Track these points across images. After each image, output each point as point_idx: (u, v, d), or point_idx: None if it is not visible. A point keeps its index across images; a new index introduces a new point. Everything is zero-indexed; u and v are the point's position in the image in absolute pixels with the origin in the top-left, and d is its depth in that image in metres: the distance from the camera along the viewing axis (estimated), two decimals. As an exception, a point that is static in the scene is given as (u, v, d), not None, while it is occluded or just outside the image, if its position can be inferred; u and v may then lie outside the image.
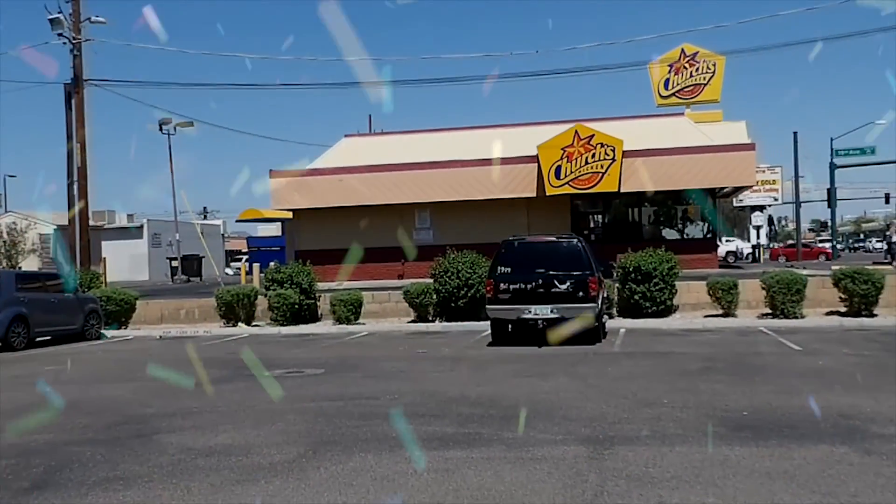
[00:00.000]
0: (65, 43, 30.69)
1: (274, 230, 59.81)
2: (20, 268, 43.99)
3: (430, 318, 22.83)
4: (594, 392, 10.97)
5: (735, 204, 64.73)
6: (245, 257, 55.25)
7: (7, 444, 8.85)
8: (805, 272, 23.06)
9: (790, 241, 67.88)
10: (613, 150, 32.01)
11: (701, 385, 11.31)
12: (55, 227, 52.37)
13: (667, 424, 8.74)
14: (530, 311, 16.54)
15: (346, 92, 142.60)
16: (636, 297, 21.48)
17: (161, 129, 49.67)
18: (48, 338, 21.39)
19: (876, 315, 20.38)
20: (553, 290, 16.50)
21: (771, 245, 65.59)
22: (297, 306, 23.39)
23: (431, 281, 22.68)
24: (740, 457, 7.33)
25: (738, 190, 39.86)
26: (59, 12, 30.15)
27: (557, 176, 32.47)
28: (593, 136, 32.32)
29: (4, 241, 47.25)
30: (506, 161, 33.62)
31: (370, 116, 63.47)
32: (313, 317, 24.35)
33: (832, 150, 55.00)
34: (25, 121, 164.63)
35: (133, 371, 15.07)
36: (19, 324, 19.83)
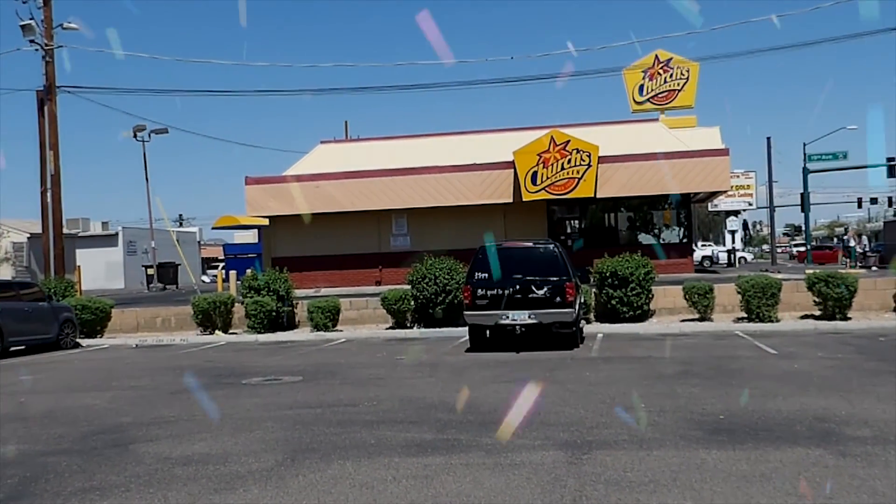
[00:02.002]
0: (37, 49, 30.44)
1: (250, 237, 59.54)
2: (-7, 276, 43.52)
3: (408, 325, 22.81)
4: (572, 397, 11.01)
5: (710, 209, 65.25)
6: (221, 264, 54.96)
7: (-19, 455, 8.76)
8: (779, 276, 23.27)
9: (814, 244, 67.09)
10: (589, 156, 32.12)
11: (678, 389, 11.37)
12: (28, 235, 51.89)
13: (644, 429, 8.78)
14: (508, 317, 16.57)
15: (321, 98, 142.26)
16: (613, 301, 21.57)
17: (136, 136, 49.36)
18: (22, 347, 21.18)
19: (850, 318, 20.59)
20: (530, 295, 16.54)
21: (791, 247, 65.25)
22: (274, 313, 23.31)
23: (409, 287, 22.67)
24: (717, 460, 7.38)
25: (712, 195, 40.09)
26: (30, 18, 29.90)
27: (534, 182, 32.53)
28: (569, 141, 32.42)
29: (-23, 250, 46.74)
30: (482, 167, 33.69)
31: (346, 123, 63.51)
32: (291, 324, 24.28)
33: (805, 154, 55.49)
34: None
35: (109, 380, 14.95)
36: (-8, 333, 19.62)
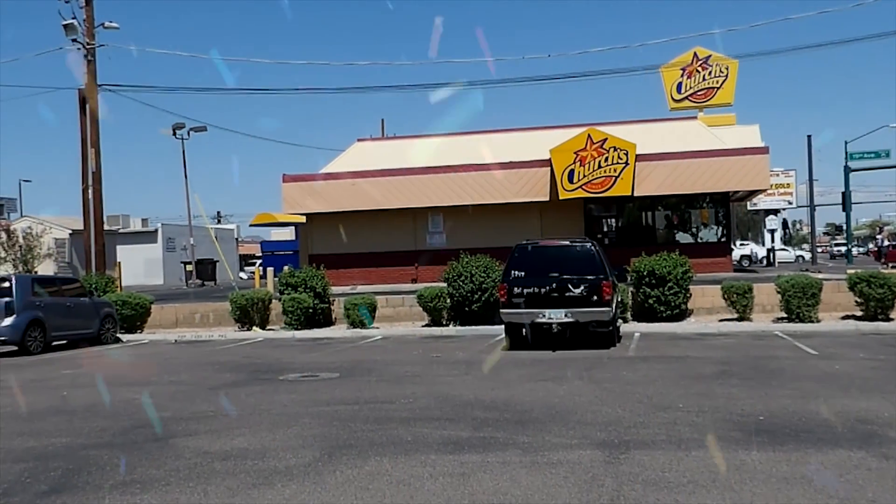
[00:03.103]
0: (79, 48, 30.83)
1: (287, 234, 59.97)
2: (36, 272, 44.21)
3: (444, 323, 22.83)
4: (609, 396, 10.95)
5: (749, 208, 64.57)
6: (259, 261, 55.40)
7: (25, 447, 8.90)
8: (820, 276, 22.97)
9: (889, 242, 64.42)
10: (626, 154, 31.96)
11: (717, 389, 11.27)
12: (70, 231, 52.68)
13: (683, 429, 8.72)
14: (544, 315, 16.52)
15: (358, 97, 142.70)
16: (650, 301, 21.44)
17: (175, 134, 49.92)
18: (64, 342, 21.49)
19: (892, 319, 20.28)
20: (567, 294, 16.48)
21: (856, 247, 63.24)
22: (311, 310, 23.44)
23: (445, 285, 22.69)
24: (757, 461, 7.30)
25: (751, 193, 39.70)
26: (72, 18, 30.29)
27: (570, 180, 32.43)
28: (606, 139, 32.28)
29: (20, 246, 47.49)
30: (518, 165, 33.64)
31: (382, 121, 63.60)
32: (327, 321, 24.41)
33: (846, 153, 54.70)
34: (40, 125, 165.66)
35: (149, 375, 15.13)
36: (36, 328, 19.94)
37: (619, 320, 19.11)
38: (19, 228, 49.83)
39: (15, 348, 19.90)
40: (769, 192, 52.13)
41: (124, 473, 7.56)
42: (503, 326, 17.79)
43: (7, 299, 19.60)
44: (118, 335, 23.23)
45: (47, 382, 14.58)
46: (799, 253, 68.69)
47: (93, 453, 8.43)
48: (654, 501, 6.24)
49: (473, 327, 21.72)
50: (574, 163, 32.38)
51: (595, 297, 16.42)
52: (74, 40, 30.56)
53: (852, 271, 22.39)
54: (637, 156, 32.06)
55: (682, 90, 44.07)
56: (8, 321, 19.48)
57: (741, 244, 60.90)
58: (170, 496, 6.79)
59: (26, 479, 7.49)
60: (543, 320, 16.56)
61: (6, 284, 20.07)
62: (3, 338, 19.63)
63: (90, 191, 31.09)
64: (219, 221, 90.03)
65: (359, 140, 42.24)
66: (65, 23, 30.08)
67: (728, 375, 12.62)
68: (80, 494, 6.94)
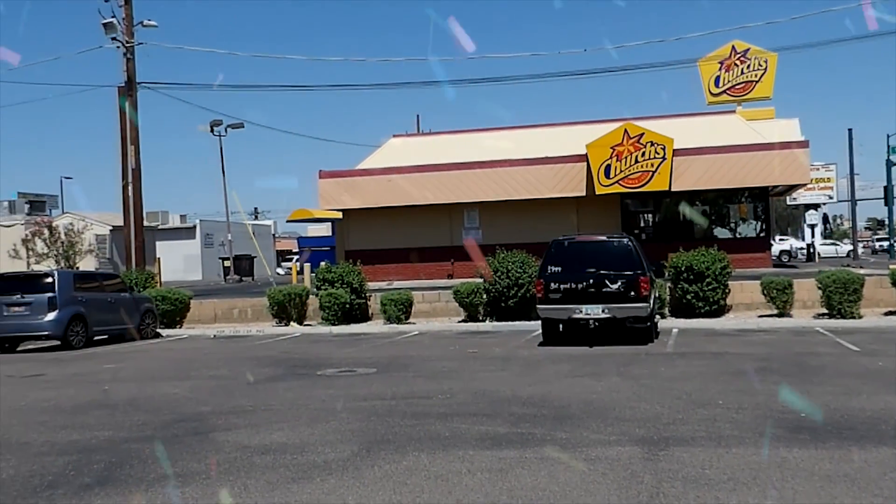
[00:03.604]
0: (118, 47, 31.19)
1: (324, 230, 60.25)
2: (77, 268, 44.81)
3: (481, 318, 22.82)
4: (647, 392, 10.89)
5: (789, 202, 63.85)
6: (296, 257, 55.74)
7: (69, 440, 9.04)
8: (862, 271, 22.65)
9: None
10: (664, 149, 31.74)
11: (757, 386, 11.16)
12: (110, 227, 53.34)
13: (722, 426, 8.64)
14: (581, 311, 16.46)
15: (393, 93, 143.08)
16: (688, 296, 21.28)
17: (212, 131, 50.34)
18: (105, 336, 21.79)
19: (936, 315, 19.95)
20: (604, 289, 16.40)
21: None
22: (347, 306, 23.55)
23: (481, 281, 22.69)
24: (799, 459, 7.22)
25: (791, 188, 39.25)
26: (112, 17, 30.65)
27: (607, 175, 32.28)
28: (643, 134, 32.08)
29: (62, 242, 48.16)
30: (554, 160, 33.52)
31: (418, 116, 63.90)
32: (364, 316, 24.51)
33: (889, 146, 53.87)
34: (81, 123, 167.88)
35: (188, 370, 15.29)
36: (78, 323, 20.25)
37: (657, 316, 18.99)
38: (61, 225, 50.51)
39: (58, 343, 20.21)
40: (809, 186, 51.44)
41: (166, 467, 7.65)
42: (539, 322, 17.76)
43: (50, 295, 19.91)
44: (158, 330, 23.50)
45: (89, 377, 14.79)
46: (840, 247, 67.54)
47: (135, 447, 8.53)
48: (694, 498, 6.20)
49: (509, 323, 21.70)
50: (611, 158, 32.21)
51: (632, 293, 16.33)
52: (114, 38, 30.94)
53: (895, 266, 22.05)
54: (674, 150, 31.83)
55: (721, 84, 43.60)
56: (51, 316, 19.79)
57: (780, 239, 60.25)
58: (210, 489, 6.85)
59: (70, 471, 7.61)
60: (580, 316, 16.50)
61: (49, 280, 20.39)
62: (46, 332, 19.96)
63: (130, 187, 31.48)
64: (256, 217, 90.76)
65: (394, 136, 42.34)
66: (104, 21, 30.46)
67: (768, 372, 12.49)
68: (123, 487, 7.03)
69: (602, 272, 16.55)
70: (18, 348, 20.88)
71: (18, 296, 20.05)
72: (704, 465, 7.10)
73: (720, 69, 43.47)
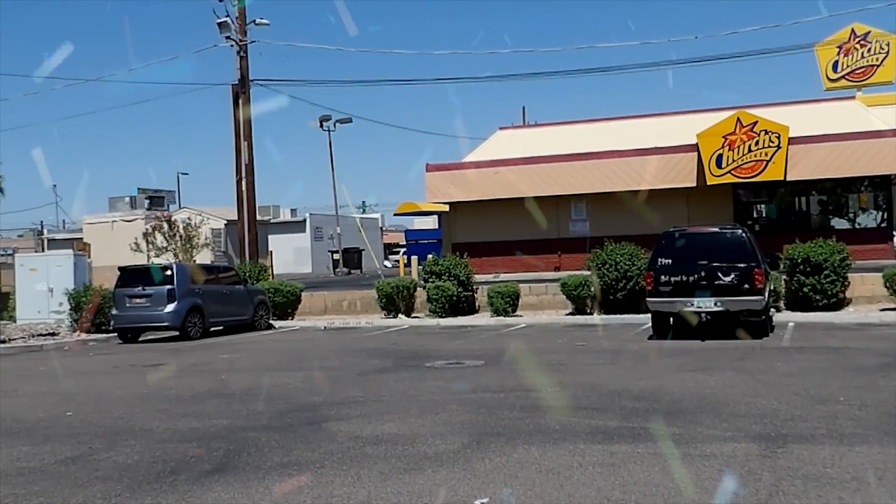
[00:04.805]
0: (232, 45, 32.04)
1: (430, 223, 60.71)
2: (194, 261, 46.31)
3: (588, 311, 22.61)
4: (763, 388, 10.59)
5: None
6: (403, 250, 56.32)
7: (189, 427, 9.36)
8: None
9: None
10: (779, 137, 30.75)
11: (880, 382, 10.72)
12: (225, 222, 54.94)
13: (844, 423, 8.34)
14: (693, 304, 16.14)
15: (499, 85, 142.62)
16: (805, 289, 20.60)
17: (322, 126, 51.26)
18: (220, 328, 22.47)
19: None
20: (716, 282, 16.04)
21: None
22: (454, 298, 23.66)
23: (589, 273, 22.47)
24: (928, 459, 6.91)
25: (916, 176, 37.50)
26: (226, 16, 31.50)
27: (719, 165, 31.46)
28: (757, 122, 31.15)
29: (181, 236, 49.82)
30: (663, 150, 32.88)
31: (524, 108, 63.53)
32: (471, 309, 24.60)
33: None
34: (196, 120, 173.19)
35: (301, 360, 15.64)
36: (195, 314, 20.95)
37: (772, 309, 18.47)
38: (179, 219, 52.29)
39: (176, 333, 20.96)
40: (935, 174, 49.02)
41: (281, 455, 7.83)
42: (649, 315, 17.49)
43: (169, 287, 20.66)
44: (271, 322, 24.11)
45: (207, 366, 15.28)
46: None
47: (251, 435, 8.77)
48: (815, 498, 5.99)
49: (618, 316, 21.44)
50: (722, 147, 31.38)
51: (746, 286, 15.92)
52: (228, 37, 31.79)
53: None
54: (790, 139, 30.78)
55: (839, 69, 41.90)
56: (170, 308, 20.53)
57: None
58: (325, 478, 6.99)
59: (191, 459, 7.87)
60: (692, 309, 16.18)
61: (168, 273, 21.15)
62: (165, 324, 20.72)
63: (244, 182, 32.33)
64: (364, 211, 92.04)
65: (500, 128, 42.24)
66: (219, 21, 31.31)
67: (893, 368, 11.98)
68: (241, 474, 7.23)
69: (714, 264, 16.19)
70: (140, 339, 21.72)
71: (140, 288, 20.87)
72: (826, 463, 6.86)
73: (838, 54, 41.78)
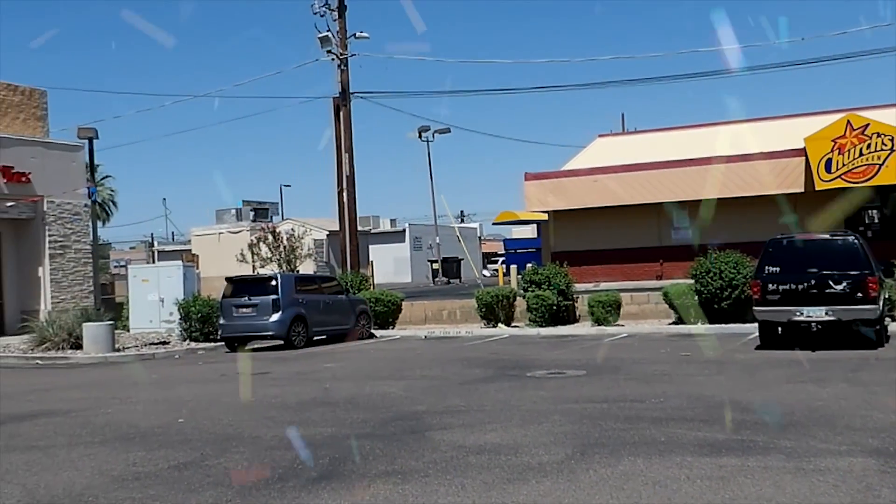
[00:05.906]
0: (332, 59, 32.60)
1: (528, 232, 60.50)
2: (298, 271, 47.25)
3: (691, 321, 22.14)
4: (880, 400, 10.19)
5: None
6: (501, 259, 56.32)
7: (295, 435, 9.52)
8: None
9: None
10: (892, 140, 29.65)
11: None
12: (327, 232, 55.92)
13: (969, 438, 7.96)
14: (802, 313, 15.66)
15: (597, 92, 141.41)
16: (922, 298, 19.73)
17: (420, 137, 51.76)
18: (323, 337, 22.83)
19: None
20: (827, 290, 15.53)
21: None
22: (554, 307, 23.51)
23: (692, 282, 22.03)
24: None
25: None
26: (327, 30, 32.09)
27: (828, 169, 30.51)
28: (868, 125, 30.10)
29: (284, 247, 50.92)
30: (769, 155, 32.05)
31: (623, 115, 62.78)
32: (571, 318, 24.40)
33: None
34: (298, 133, 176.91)
35: (402, 369, 15.76)
36: (299, 323, 21.34)
37: (887, 319, 17.77)
38: (283, 230, 53.46)
39: (281, 342, 21.38)
40: None
41: (385, 464, 7.90)
42: (756, 325, 17.05)
43: (273, 297, 21.08)
44: (372, 331, 24.38)
45: (311, 375, 15.55)
46: None
47: (355, 443, 8.87)
48: (939, 517, 5.74)
49: (722, 325, 20.93)
50: (832, 151, 30.44)
51: (859, 294, 15.36)
52: (329, 51, 32.36)
53: None
54: (904, 141, 29.64)
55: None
56: (275, 317, 20.96)
57: None
58: (429, 487, 7.02)
59: (298, 466, 8.01)
60: (801, 318, 15.70)
61: (272, 283, 21.61)
62: (270, 332, 21.17)
63: (345, 194, 32.82)
64: (462, 220, 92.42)
65: (599, 136, 41.90)
66: (320, 35, 31.89)
67: None
68: (347, 482, 7.32)
69: (825, 272, 15.68)
70: (245, 347, 22.25)
71: (246, 298, 21.37)
72: (950, 480, 6.55)
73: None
